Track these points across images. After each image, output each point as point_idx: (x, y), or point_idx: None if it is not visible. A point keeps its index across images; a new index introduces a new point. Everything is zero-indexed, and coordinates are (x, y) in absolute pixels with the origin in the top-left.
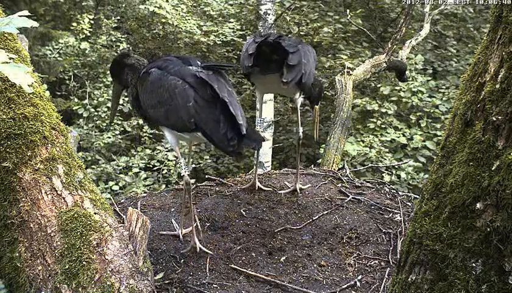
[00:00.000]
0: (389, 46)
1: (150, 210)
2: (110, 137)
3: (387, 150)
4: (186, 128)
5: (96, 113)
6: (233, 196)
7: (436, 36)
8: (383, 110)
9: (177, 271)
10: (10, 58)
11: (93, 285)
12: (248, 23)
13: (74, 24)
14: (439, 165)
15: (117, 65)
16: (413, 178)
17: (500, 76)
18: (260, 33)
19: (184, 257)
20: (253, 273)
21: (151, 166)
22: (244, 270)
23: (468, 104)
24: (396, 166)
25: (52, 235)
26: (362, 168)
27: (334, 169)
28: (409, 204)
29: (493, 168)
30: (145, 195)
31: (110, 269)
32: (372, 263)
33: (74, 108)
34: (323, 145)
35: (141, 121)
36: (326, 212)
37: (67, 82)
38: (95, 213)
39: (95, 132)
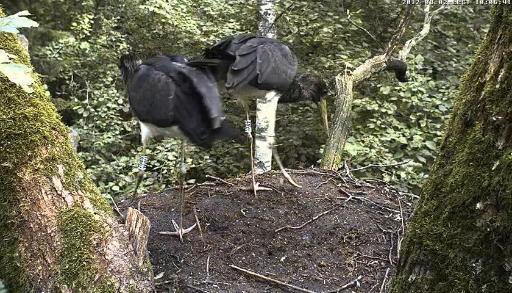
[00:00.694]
0: (389, 46)
1: (150, 210)
2: (110, 137)
3: (387, 150)
4: (167, 122)
5: (95, 113)
6: (233, 196)
7: (436, 36)
8: (383, 110)
9: (177, 271)
10: (10, 58)
11: (93, 285)
12: (249, 23)
13: (74, 24)
14: (439, 165)
15: (120, 63)
16: (413, 178)
17: (500, 76)
18: (244, 36)
19: (184, 257)
20: (253, 273)
21: (151, 166)
22: (244, 270)
23: (468, 104)
24: (396, 166)
25: (52, 235)
26: (362, 168)
27: (334, 169)
28: (409, 204)
29: (493, 168)
30: (145, 195)
31: (110, 269)
32: (372, 263)
33: (74, 108)
34: (323, 145)
35: None
36: (326, 212)
37: (67, 82)
38: (95, 213)
39: (95, 132)
